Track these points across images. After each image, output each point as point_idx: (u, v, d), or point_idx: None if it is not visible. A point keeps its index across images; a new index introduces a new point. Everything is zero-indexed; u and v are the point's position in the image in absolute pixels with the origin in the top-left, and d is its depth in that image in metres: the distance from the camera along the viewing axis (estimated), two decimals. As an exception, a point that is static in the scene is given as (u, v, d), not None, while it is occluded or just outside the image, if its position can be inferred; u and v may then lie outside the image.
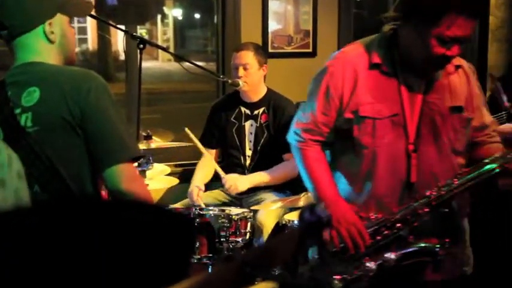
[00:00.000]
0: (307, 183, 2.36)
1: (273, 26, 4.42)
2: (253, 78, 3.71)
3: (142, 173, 3.24)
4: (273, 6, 4.41)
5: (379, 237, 2.21)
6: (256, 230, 3.46)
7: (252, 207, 3.50)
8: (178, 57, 3.87)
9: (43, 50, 1.98)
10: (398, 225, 2.20)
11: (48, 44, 1.99)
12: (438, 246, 2.20)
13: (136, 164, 2.32)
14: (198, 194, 3.65)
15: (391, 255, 2.19)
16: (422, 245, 2.20)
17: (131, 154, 1.91)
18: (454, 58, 2.19)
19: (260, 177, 3.71)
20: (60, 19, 2.01)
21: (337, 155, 2.35)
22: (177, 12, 17.93)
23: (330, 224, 2.18)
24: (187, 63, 3.68)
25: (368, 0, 10.27)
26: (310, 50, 4.52)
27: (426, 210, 2.20)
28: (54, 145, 1.89)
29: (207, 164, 3.82)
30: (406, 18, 2.18)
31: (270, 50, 4.38)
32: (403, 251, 2.20)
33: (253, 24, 4.36)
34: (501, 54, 5.93)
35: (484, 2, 5.09)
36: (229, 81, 3.72)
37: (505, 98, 2.34)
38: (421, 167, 2.24)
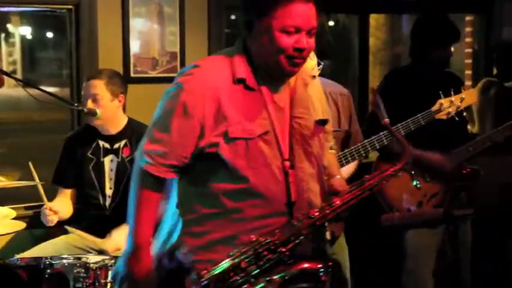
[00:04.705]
0: (130, 211, 2.35)
1: (135, 47, 4.42)
2: (104, 110, 3.68)
3: (-18, 218, 3.13)
4: (136, 25, 4.42)
5: (261, 262, 2.27)
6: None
7: (113, 253, 3.46)
8: (25, 83, 3.78)
9: None
10: (282, 248, 2.27)
11: None
12: (321, 270, 2.29)
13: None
14: (51, 209, 3.58)
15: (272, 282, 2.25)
16: (305, 268, 2.28)
17: None
18: (306, 51, 2.30)
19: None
20: None
21: (203, 178, 2.34)
22: (25, 31, 17.40)
23: (193, 270, 2.20)
24: (37, 90, 3.62)
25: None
26: (178, 74, 4.56)
27: (309, 231, 2.30)
28: None
29: (65, 202, 3.78)
30: (249, 24, 2.30)
31: (133, 75, 4.37)
32: (284, 276, 2.26)
33: (112, 46, 4.34)
34: (384, 78, 6.20)
35: (365, 23, 5.36)
36: (85, 109, 3.68)
37: (385, 114, 2.50)
38: (299, 184, 2.34)
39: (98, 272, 3.21)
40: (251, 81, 2.32)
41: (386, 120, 2.49)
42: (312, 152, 2.39)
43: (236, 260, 2.25)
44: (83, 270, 3.18)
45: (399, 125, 3.40)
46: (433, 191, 3.84)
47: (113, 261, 3.30)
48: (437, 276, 4.01)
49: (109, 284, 3.25)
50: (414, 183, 3.84)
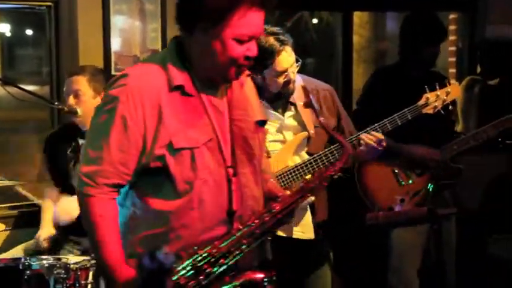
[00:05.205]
0: (90, 239, 2.28)
1: (116, 44, 4.40)
2: (86, 108, 3.67)
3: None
4: (117, 22, 4.39)
5: (201, 277, 2.20)
6: (101, 280, 3.41)
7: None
8: (3, 81, 3.76)
9: None
10: (222, 260, 2.21)
11: None
12: (266, 280, 2.25)
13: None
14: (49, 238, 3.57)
15: None
16: (248, 280, 2.23)
17: None
18: (252, 60, 2.26)
19: None
20: None
21: (147, 196, 2.27)
22: (4, 28, 17.32)
23: (173, 272, 2.16)
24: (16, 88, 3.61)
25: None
26: (159, 72, 4.54)
27: (250, 240, 2.25)
28: None
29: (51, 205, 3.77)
30: (191, 26, 2.22)
31: (114, 73, 4.35)
32: None
33: (93, 43, 4.32)
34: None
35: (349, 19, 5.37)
36: (65, 108, 3.66)
37: (319, 113, 2.52)
38: (242, 191, 2.30)
39: (79, 273, 3.18)
40: (189, 87, 2.24)
41: (321, 119, 2.50)
42: (254, 155, 2.36)
43: (174, 278, 2.16)
44: (63, 271, 3.15)
45: (385, 120, 3.40)
46: (415, 189, 3.87)
47: (93, 261, 3.29)
48: (422, 275, 4.03)
49: (90, 285, 3.23)
50: (400, 182, 3.87)
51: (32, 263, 3.18)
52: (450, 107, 3.51)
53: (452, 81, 3.66)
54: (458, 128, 4.74)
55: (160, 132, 2.19)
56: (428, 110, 3.48)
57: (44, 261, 3.23)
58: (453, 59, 5.84)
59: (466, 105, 4.76)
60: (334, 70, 5.68)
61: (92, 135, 2.27)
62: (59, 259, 3.25)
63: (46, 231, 3.64)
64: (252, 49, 2.22)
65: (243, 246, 2.24)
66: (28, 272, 3.15)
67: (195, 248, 2.21)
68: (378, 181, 3.88)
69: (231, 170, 2.28)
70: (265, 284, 2.24)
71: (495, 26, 5.41)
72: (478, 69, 5.09)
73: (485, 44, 5.21)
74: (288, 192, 2.47)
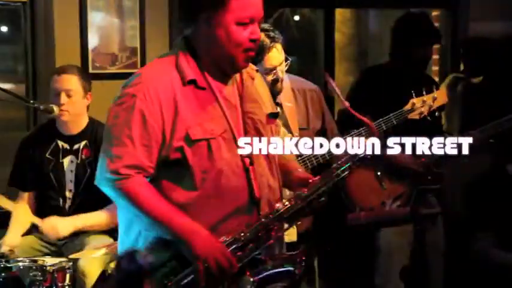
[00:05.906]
0: (147, 220, 2.31)
1: (93, 42, 4.39)
2: (76, 108, 3.67)
3: None
4: (94, 19, 4.38)
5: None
6: (78, 281, 3.40)
7: (71, 256, 3.43)
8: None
9: None
10: (251, 244, 2.30)
11: None
12: (294, 265, 2.33)
13: None
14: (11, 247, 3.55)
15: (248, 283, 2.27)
16: (279, 265, 2.31)
17: None
18: (258, 41, 2.35)
19: (85, 220, 3.66)
20: None
21: (168, 188, 2.34)
22: (-22, 25, 17.25)
23: (153, 273, 2.20)
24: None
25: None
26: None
27: (278, 225, 2.33)
28: None
29: (24, 213, 3.73)
30: (194, 18, 2.32)
31: (91, 71, 4.34)
32: (260, 276, 2.30)
33: (70, 40, 4.31)
34: (351, 76, 6.26)
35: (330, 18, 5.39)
36: (41, 107, 3.64)
37: (342, 97, 2.54)
38: (260, 180, 2.38)
39: (56, 275, 3.18)
40: (201, 80, 2.34)
41: (347, 103, 2.53)
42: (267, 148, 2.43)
43: (206, 265, 2.24)
44: (40, 273, 3.15)
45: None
46: (397, 193, 3.87)
47: (70, 263, 3.28)
48: (409, 276, 4.04)
49: (67, 287, 3.22)
50: (383, 185, 3.86)
51: (8, 265, 3.17)
52: (436, 113, 3.51)
53: (441, 87, 3.66)
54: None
55: (177, 125, 2.28)
56: (414, 116, 3.47)
57: (20, 263, 3.22)
58: (436, 57, 5.85)
59: (449, 104, 4.77)
60: (316, 68, 5.69)
61: (112, 134, 2.32)
62: (35, 261, 3.24)
63: (11, 237, 3.62)
64: (255, 31, 2.31)
65: (272, 232, 2.32)
66: (4, 274, 3.14)
67: (224, 237, 2.28)
68: (360, 183, 3.88)
69: (247, 160, 2.37)
70: (294, 269, 2.33)
71: (478, 22, 5.44)
72: (461, 67, 5.11)
73: (468, 41, 5.23)
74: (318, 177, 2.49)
